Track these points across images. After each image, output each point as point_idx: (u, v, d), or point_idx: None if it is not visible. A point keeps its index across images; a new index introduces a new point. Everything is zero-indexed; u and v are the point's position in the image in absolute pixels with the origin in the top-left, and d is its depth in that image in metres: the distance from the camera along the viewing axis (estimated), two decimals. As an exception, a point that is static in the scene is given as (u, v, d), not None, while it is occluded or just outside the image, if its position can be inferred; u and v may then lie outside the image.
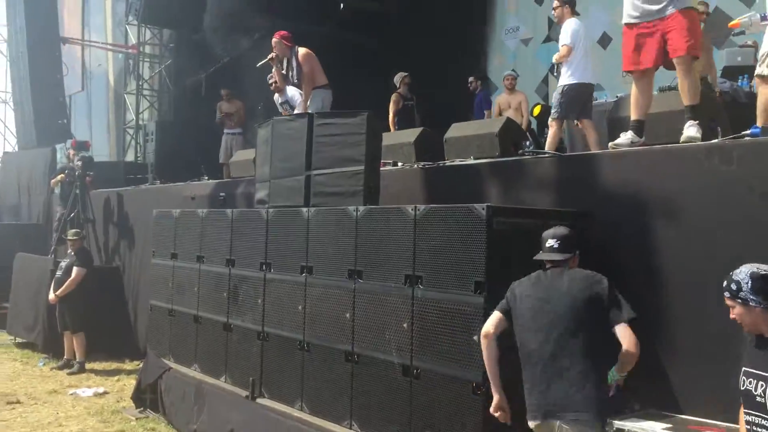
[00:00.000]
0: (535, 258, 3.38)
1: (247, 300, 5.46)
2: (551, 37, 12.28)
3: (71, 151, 11.00)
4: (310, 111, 7.05)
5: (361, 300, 4.30)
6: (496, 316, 3.34)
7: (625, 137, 4.56)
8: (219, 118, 10.88)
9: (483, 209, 3.53)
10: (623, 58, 4.58)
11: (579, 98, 6.26)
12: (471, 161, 5.39)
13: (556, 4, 6.64)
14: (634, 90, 4.55)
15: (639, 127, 4.58)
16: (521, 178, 4.71)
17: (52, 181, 10.83)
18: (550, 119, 6.45)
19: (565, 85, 6.27)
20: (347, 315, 4.38)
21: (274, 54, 7.35)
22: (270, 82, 8.31)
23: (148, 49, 13.25)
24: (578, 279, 3.20)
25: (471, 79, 10.65)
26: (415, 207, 3.96)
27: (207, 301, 5.98)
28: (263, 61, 7.54)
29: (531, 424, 3.17)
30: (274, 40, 7.34)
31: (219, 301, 5.79)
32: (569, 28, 6.35)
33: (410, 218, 3.96)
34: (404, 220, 4.01)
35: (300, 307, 4.82)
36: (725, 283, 2.66)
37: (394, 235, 4.09)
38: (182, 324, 6.33)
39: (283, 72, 7.42)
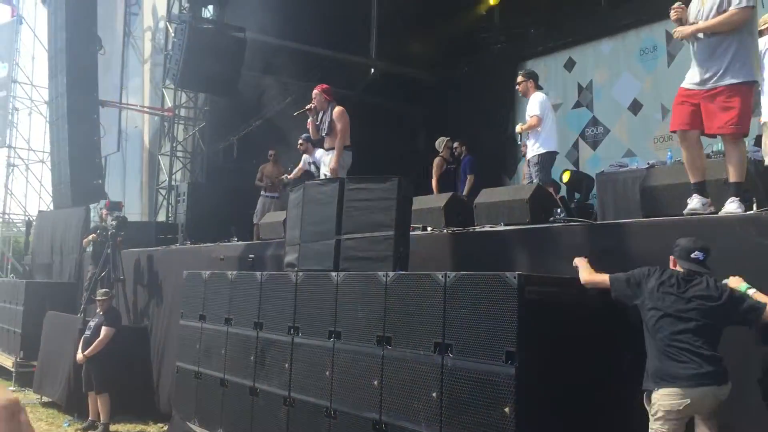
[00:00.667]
0: (679, 266, 3.57)
1: (275, 364, 5.43)
2: (581, 102, 12.42)
3: (104, 211, 11.24)
4: (335, 167, 7.14)
5: (390, 367, 4.26)
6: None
7: (697, 202, 4.40)
8: (265, 182, 11.01)
9: (515, 278, 3.52)
10: (673, 117, 4.55)
11: (551, 165, 6.91)
12: (501, 227, 5.40)
13: (520, 79, 7.27)
14: (685, 153, 4.48)
15: (702, 189, 4.44)
16: (552, 246, 4.69)
17: (84, 240, 11.04)
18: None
19: (540, 154, 6.85)
20: (375, 382, 4.34)
21: (312, 105, 7.49)
22: (299, 143, 8.45)
23: (183, 112, 13.64)
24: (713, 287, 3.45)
25: (456, 144, 10.53)
26: (446, 274, 3.95)
27: (234, 365, 5.97)
28: (300, 111, 7.68)
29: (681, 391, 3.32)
30: (315, 91, 7.51)
31: (246, 364, 5.77)
32: (536, 100, 7.02)
33: (440, 285, 3.95)
34: (434, 287, 4.00)
35: (327, 373, 4.78)
36: None
37: (424, 302, 4.07)
38: (208, 387, 6.30)
39: (317, 125, 7.55)
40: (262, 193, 10.93)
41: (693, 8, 4.48)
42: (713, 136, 4.56)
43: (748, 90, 4.28)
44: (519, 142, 7.55)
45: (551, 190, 6.86)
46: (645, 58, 11.44)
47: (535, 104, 6.98)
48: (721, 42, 4.27)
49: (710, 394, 3.32)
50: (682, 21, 4.43)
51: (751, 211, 3.99)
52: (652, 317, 3.48)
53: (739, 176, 4.26)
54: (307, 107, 7.54)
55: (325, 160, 7.42)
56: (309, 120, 7.62)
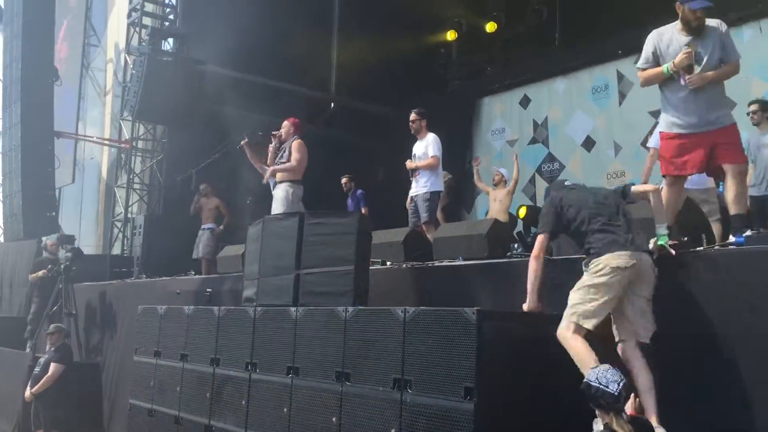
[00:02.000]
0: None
1: (231, 401, 5.32)
2: (537, 139, 12.67)
3: (50, 242, 10.95)
4: (283, 199, 7.09)
5: (349, 404, 4.21)
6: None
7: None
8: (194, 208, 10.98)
9: (473, 313, 3.53)
10: (663, 162, 4.67)
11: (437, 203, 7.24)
12: (460, 262, 5.43)
13: (414, 117, 7.48)
14: (667, 194, 4.58)
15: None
16: (510, 280, 4.73)
17: (32, 276, 10.73)
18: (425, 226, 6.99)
19: (433, 192, 7.18)
20: (334, 419, 4.28)
21: (279, 132, 7.54)
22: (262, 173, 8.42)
23: (141, 144, 13.46)
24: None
25: (344, 180, 10.54)
26: (405, 309, 3.94)
27: (189, 402, 5.83)
28: (264, 134, 7.69)
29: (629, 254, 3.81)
30: (285, 123, 7.55)
31: (202, 401, 5.64)
32: (435, 141, 7.28)
33: (399, 320, 3.94)
34: (393, 322, 3.99)
35: (285, 410, 4.71)
36: None
37: (384, 338, 4.05)
38: (162, 425, 6.13)
39: (277, 152, 7.55)
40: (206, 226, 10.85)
41: (671, 48, 4.62)
42: (711, 174, 4.76)
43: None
44: (412, 177, 7.57)
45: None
46: (597, 96, 11.76)
47: (434, 145, 7.26)
48: (718, 85, 4.54)
49: (647, 261, 3.83)
50: (692, 66, 4.53)
51: (701, 248, 4.09)
52: (581, 214, 4.05)
53: (746, 206, 4.45)
54: (273, 132, 7.59)
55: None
56: (270, 145, 7.63)
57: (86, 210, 17.71)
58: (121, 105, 13.67)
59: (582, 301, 3.77)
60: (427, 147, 7.33)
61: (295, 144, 7.30)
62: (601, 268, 3.78)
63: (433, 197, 7.21)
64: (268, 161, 7.68)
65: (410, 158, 7.55)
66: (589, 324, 3.72)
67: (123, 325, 8.89)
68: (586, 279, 3.84)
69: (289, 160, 7.23)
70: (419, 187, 7.31)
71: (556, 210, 4.20)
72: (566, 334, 3.74)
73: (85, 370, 9.17)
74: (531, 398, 3.69)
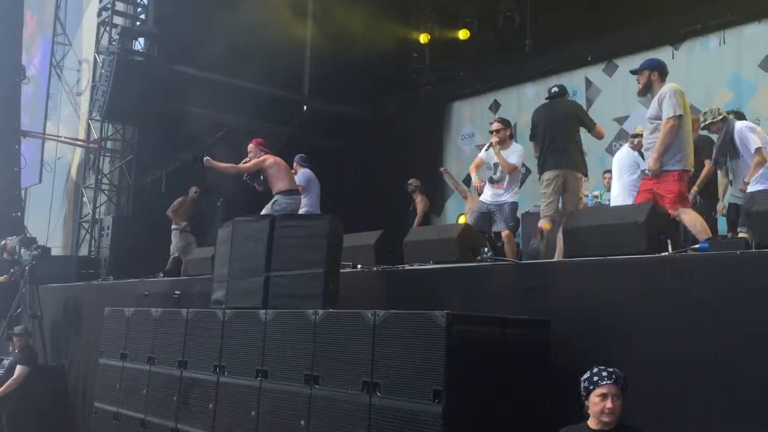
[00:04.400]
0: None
1: (199, 404, 5.24)
2: (506, 144, 12.74)
3: (9, 244, 10.69)
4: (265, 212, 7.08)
5: (318, 406, 4.17)
6: None
7: None
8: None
9: (443, 317, 3.52)
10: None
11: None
12: (430, 266, 5.43)
13: (498, 126, 7.27)
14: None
15: None
16: (480, 285, 4.75)
17: None
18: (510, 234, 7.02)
19: (515, 202, 7.10)
20: (302, 422, 4.24)
21: (248, 159, 7.47)
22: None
23: (110, 144, 13.25)
24: None
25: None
26: (375, 312, 3.92)
27: (155, 405, 5.72)
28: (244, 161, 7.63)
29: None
30: (250, 146, 7.48)
31: (168, 404, 5.55)
32: (517, 150, 7.15)
33: (369, 323, 3.92)
34: (363, 325, 3.96)
35: (253, 413, 4.65)
36: (612, 373, 3.18)
37: (353, 341, 4.02)
38: (128, 429, 6.01)
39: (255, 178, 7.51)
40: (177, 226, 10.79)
41: None
42: None
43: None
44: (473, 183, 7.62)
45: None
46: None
47: (516, 154, 7.12)
48: None
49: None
50: None
51: (666, 253, 4.14)
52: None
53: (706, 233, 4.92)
54: (243, 161, 7.51)
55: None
56: (245, 176, 7.56)
57: (54, 211, 17.39)
58: (90, 104, 13.45)
59: None
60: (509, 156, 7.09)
61: (253, 163, 7.34)
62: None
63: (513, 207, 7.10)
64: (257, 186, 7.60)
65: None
66: None
67: (89, 328, 8.73)
68: None
69: (267, 179, 7.29)
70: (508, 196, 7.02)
71: None
72: None
73: (50, 373, 9.01)
74: (500, 401, 3.69)
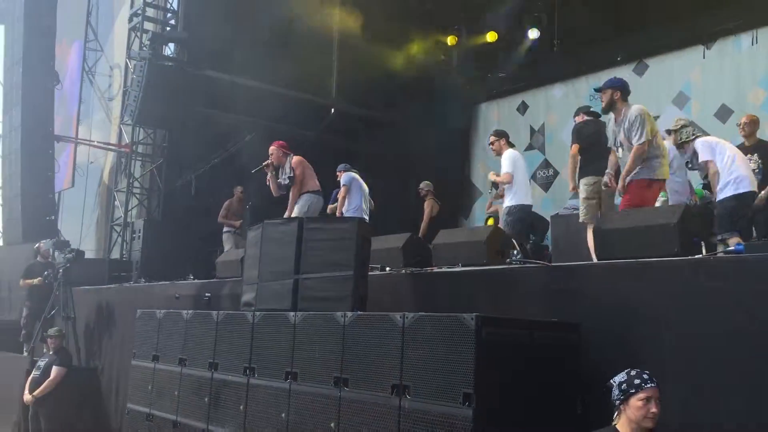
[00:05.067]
0: None
1: (230, 406, 5.29)
2: (533, 145, 12.67)
3: (43, 247, 10.90)
4: (295, 214, 7.17)
5: (347, 409, 4.17)
6: None
7: None
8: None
9: (472, 319, 3.51)
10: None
11: (524, 218, 7.43)
12: (459, 268, 5.42)
13: (492, 139, 7.83)
14: None
15: None
16: (509, 287, 4.73)
17: (22, 282, 10.61)
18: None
19: (509, 206, 7.38)
20: (332, 424, 4.26)
21: (270, 161, 7.56)
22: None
23: (141, 149, 13.44)
24: None
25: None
26: (404, 315, 3.92)
27: (187, 406, 5.79)
28: (258, 168, 7.71)
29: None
30: (271, 148, 7.58)
31: (200, 406, 5.61)
32: (508, 157, 7.52)
33: (398, 326, 3.92)
34: (392, 328, 3.96)
35: (283, 415, 4.68)
36: (652, 376, 3.09)
37: (382, 343, 4.02)
38: (160, 429, 6.09)
39: (279, 181, 7.63)
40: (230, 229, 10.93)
41: None
42: None
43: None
44: (489, 190, 8.01)
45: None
46: (595, 102, 11.73)
47: (507, 162, 7.53)
48: None
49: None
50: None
51: (700, 255, 4.08)
52: None
53: None
54: (264, 163, 7.61)
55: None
56: (268, 176, 7.66)
57: (86, 214, 17.68)
58: (122, 109, 13.64)
59: None
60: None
61: (294, 162, 7.52)
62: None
63: (512, 211, 7.43)
64: (273, 192, 7.77)
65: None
66: None
67: (121, 330, 8.85)
68: None
69: (294, 179, 7.39)
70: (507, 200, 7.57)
71: None
72: None
73: (84, 375, 9.14)
74: (529, 404, 3.67)
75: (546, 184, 12.23)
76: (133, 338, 7.03)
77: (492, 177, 7.72)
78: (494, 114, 13.74)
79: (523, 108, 13.05)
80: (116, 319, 9.23)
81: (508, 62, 13.51)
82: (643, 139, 5.53)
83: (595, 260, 4.95)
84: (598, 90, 5.97)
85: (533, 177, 12.39)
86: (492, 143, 7.79)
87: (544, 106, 12.63)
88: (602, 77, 11.38)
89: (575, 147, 6.77)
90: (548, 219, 8.45)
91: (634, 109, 5.69)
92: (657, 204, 5.99)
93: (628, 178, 5.64)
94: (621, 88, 5.84)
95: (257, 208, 10.29)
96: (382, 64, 12.62)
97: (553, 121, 12.42)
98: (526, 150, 12.68)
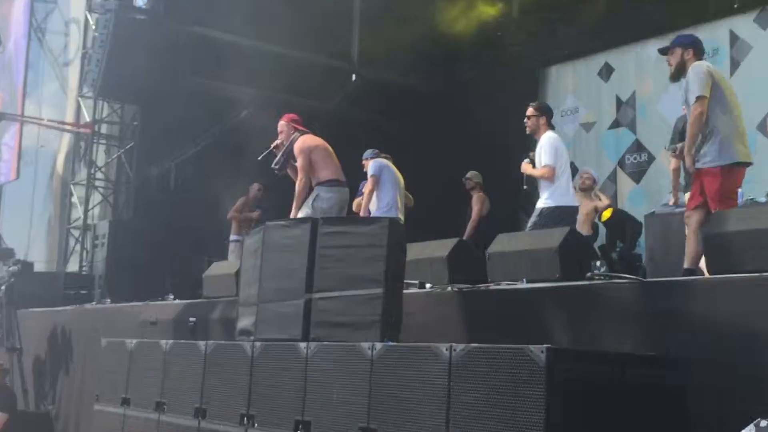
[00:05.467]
0: None
1: (221, 465, 5.37)
2: (620, 121, 12.56)
3: None
4: (303, 214, 7.15)
5: (376, 469, 4.22)
6: None
7: None
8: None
9: (542, 352, 3.51)
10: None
11: (560, 223, 6.99)
12: (523, 285, 5.41)
13: (531, 111, 7.65)
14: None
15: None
16: (592, 309, 4.71)
17: None
18: None
19: (542, 208, 7.26)
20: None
21: (279, 141, 7.57)
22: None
23: (105, 129, 13.60)
24: None
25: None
26: (451, 346, 3.94)
27: (167, 465, 5.88)
28: (266, 152, 7.73)
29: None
30: (281, 122, 7.59)
31: (183, 464, 5.70)
32: (550, 144, 7.36)
33: (444, 360, 3.94)
34: (436, 363, 3.98)
35: (292, 478, 4.73)
36: None
37: (423, 382, 4.05)
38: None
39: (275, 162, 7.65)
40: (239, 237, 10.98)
41: None
42: None
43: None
44: (525, 185, 7.79)
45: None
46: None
47: (547, 151, 7.37)
48: None
49: None
50: None
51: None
52: None
53: None
54: (273, 145, 7.62)
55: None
56: (276, 167, 7.68)
57: (35, 214, 17.96)
58: (80, 78, 13.84)
59: None
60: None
61: (298, 145, 7.49)
62: None
63: (544, 214, 7.29)
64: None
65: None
66: None
67: (81, 364, 8.99)
68: None
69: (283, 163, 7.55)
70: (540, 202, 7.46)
71: None
72: None
73: (33, 421, 9.30)
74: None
75: (637, 173, 12.10)
76: (97, 375, 7.13)
77: (527, 169, 7.59)
78: (568, 80, 13.66)
79: (606, 72, 12.95)
80: (74, 350, 9.36)
81: (585, 11, 13.42)
82: (698, 93, 5.53)
83: (706, 274, 4.91)
84: (663, 52, 5.95)
85: (620, 163, 12.29)
86: (528, 118, 7.63)
87: (635, 69, 12.52)
88: (714, 30, 11.32)
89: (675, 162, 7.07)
90: (641, 220, 8.39)
91: (694, 64, 5.72)
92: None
93: (699, 164, 5.65)
94: (693, 46, 5.82)
95: (271, 215, 10.28)
96: (419, 17, 12.62)
97: (647, 91, 12.30)
98: (610, 127, 12.59)
